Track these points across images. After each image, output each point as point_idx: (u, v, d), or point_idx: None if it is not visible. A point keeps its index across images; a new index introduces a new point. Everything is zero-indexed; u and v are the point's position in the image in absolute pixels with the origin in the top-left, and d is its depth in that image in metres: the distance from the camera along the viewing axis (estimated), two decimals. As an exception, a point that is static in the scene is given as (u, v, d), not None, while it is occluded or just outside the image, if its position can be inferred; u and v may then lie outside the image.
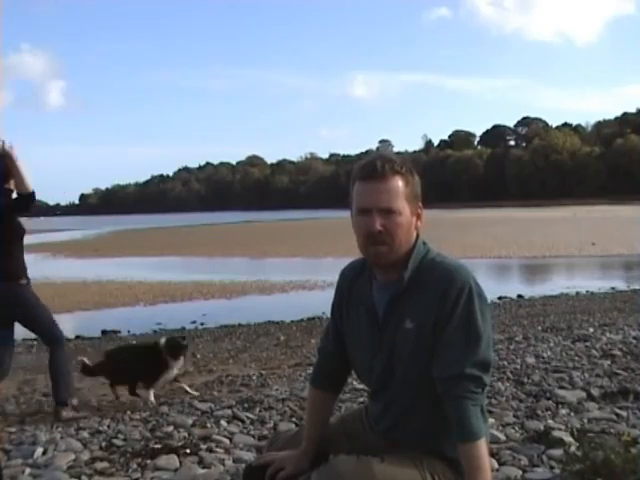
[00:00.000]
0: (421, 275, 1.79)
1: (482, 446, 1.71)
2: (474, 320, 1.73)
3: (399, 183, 1.77)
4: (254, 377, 6.50)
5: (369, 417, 1.98)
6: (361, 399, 4.26)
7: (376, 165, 1.77)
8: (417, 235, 1.84)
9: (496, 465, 2.96)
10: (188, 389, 5.70)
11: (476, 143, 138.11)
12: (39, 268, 22.93)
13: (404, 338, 1.79)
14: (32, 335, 10.69)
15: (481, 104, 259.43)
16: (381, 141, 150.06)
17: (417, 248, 1.82)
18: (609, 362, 5.20)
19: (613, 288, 14.57)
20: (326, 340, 2.05)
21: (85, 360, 5.90)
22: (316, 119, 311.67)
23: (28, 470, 3.22)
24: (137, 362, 5.52)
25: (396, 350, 1.80)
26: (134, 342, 10.08)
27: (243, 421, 4.05)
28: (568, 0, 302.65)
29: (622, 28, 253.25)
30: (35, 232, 56.78)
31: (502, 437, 3.39)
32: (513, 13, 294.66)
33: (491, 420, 3.52)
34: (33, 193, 4.63)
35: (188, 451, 3.38)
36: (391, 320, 1.82)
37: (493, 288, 13.68)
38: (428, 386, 1.76)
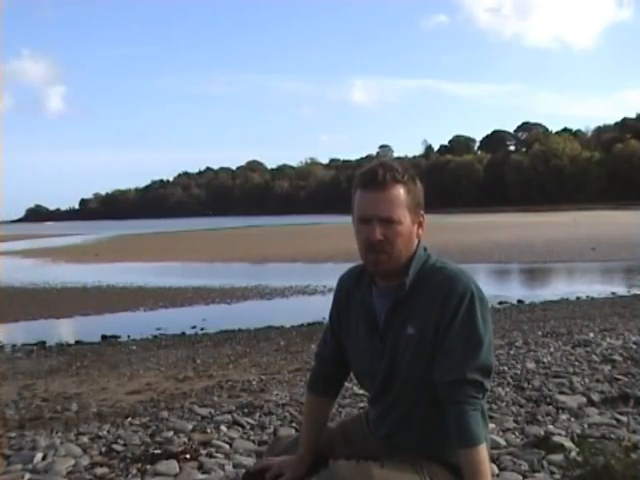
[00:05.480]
0: (422, 281, 1.79)
1: (483, 451, 1.70)
2: (475, 325, 1.73)
3: (400, 192, 1.76)
4: (254, 382, 6.50)
5: (369, 422, 1.98)
6: (361, 404, 4.26)
7: (377, 173, 1.76)
8: (418, 242, 1.84)
9: (496, 470, 2.96)
10: None
11: (476, 148, 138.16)
12: (39, 273, 22.94)
13: (405, 344, 1.78)
14: (32, 340, 10.78)
15: (481, 109, 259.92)
16: (381, 146, 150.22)
17: (418, 254, 1.82)
18: (609, 367, 5.20)
19: (613, 293, 14.58)
20: (323, 346, 2.05)
21: None
22: (316, 124, 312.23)
23: (28, 475, 3.21)
24: None
25: (397, 356, 1.80)
26: (134, 347, 10.09)
27: (243, 426, 4.04)
28: (565, 6, 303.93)
29: (620, 34, 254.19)
30: (35, 237, 56.83)
31: (502, 442, 3.38)
32: (511, 19, 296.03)
33: (491, 425, 3.52)
34: None
35: (188, 456, 3.37)
36: (392, 326, 1.81)
37: (493, 293, 13.68)
38: (429, 391, 1.76)
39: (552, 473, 2.95)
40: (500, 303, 13.21)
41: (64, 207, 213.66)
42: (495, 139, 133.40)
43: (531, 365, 5.44)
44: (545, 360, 5.68)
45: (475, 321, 1.73)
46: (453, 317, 1.72)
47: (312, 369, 2.14)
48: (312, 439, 1.98)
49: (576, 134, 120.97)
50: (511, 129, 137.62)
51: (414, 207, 1.79)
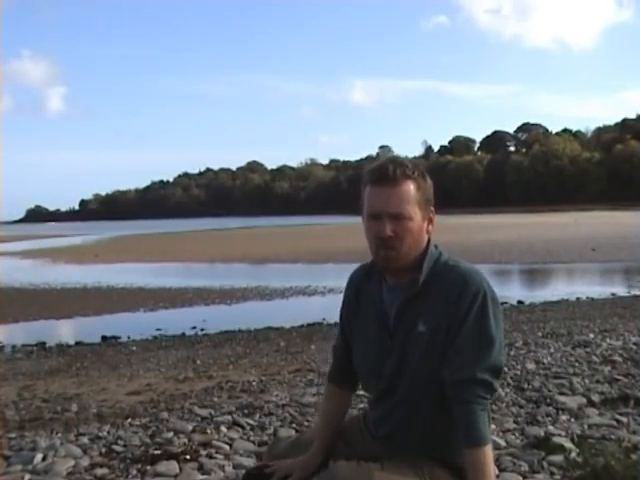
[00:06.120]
0: (435, 278, 1.78)
1: (488, 452, 1.70)
2: (487, 325, 1.73)
3: (410, 188, 1.76)
4: (254, 383, 6.50)
5: (368, 423, 1.96)
6: (361, 405, 4.25)
7: (388, 169, 1.75)
8: (429, 239, 1.83)
9: (496, 471, 2.95)
10: None
11: (476, 149, 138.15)
12: (39, 274, 22.94)
13: (416, 341, 1.77)
14: (32, 340, 10.77)
15: (481, 110, 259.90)
16: (381, 147, 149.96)
17: (430, 251, 1.81)
18: (609, 368, 5.20)
19: (613, 294, 14.56)
20: (338, 342, 2.06)
21: None
22: (316, 125, 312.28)
23: (28, 476, 3.21)
24: None
25: (407, 353, 1.79)
26: (134, 348, 10.09)
27: (243, 427, 4.04)
28: (565, 7, 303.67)
29: (620, 35, 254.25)
30: (35, 238, 56.83)
31: (502, 443, 3.38)
32: (510, 20, 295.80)
33: (492, 426, 3.52)
34: None
35: (188, 457, 3.37)
36: (403, 323, 1.80)
37: (493, 294, 13.66)
38: (436, 390, 1.75)
39: (552, 474, 2.95)
40: (500, 304, 13.20)
41: (64, 208, 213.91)
42: (495, 139, 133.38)
43: (531, 366, 5.44)
44: (545, 361, 5.68)
45: (487, 321, 1.73)
46: (465, 316, 1.72)
47: (332, 361, 2.12)
48: (327, 433, 1.97)
49: (576, 135, 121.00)
50: (511, 130, 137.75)
51: (424, 203, 1.79)
